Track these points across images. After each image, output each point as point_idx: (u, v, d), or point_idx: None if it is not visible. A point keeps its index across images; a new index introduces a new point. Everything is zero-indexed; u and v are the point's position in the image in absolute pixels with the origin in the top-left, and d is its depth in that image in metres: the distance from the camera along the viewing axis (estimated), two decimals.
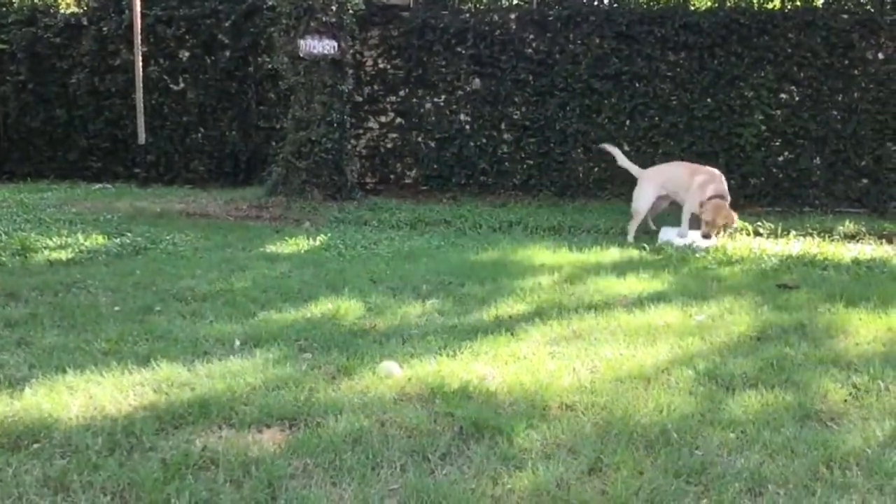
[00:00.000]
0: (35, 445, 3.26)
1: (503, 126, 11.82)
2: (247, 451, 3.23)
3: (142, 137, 11.54)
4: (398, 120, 12.18)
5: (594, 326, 5.06)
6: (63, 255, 7.10)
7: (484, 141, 11.80)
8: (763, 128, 10.92)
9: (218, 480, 3.00)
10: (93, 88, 12.95)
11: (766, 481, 3.02)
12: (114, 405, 3.66)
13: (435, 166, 11.96)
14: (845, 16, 10.72)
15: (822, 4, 10.87)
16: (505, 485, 2.99)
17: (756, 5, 11.04)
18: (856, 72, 10.75)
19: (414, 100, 12.06)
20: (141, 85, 11.37)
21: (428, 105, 12.03)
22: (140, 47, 11.39)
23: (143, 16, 11.78)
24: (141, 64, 11.41)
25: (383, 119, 12.28)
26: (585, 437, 3.39)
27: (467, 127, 11.89)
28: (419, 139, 12.09)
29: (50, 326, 4.88)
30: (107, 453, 3.20)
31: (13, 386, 3.85)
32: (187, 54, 12.80)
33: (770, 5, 11.06)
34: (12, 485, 2.95)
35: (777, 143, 11.02)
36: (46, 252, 7.13)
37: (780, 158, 11.02)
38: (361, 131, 12.22)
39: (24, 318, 5.02)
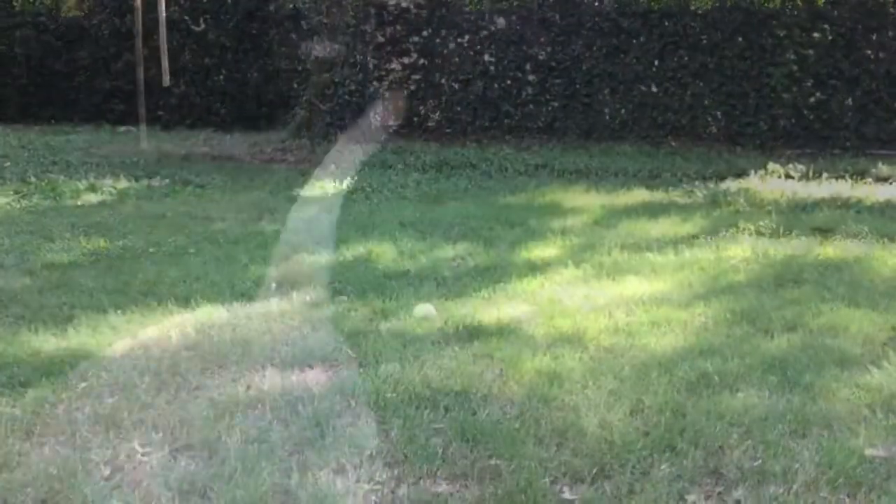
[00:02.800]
0: (83, 384, 3.31)
1: (528, 67, 11.63)
2: (292, 391, 3.27)
3: (166, 80, 11.47)
4: (421, 61, 12.02)
5: (627, 269, 5.04)
6: (93, 197, 7.15)
7: (508, 82, 11.64)
8: (795, 68, 10.67)
9: (266, 418, 3.05)
10: (115, 30, 12.85)
11: (809, 423, 3.03)
12: (158, 345, 3.71)
13: (458, 108, 11.83)
14: None
15: None
16: (548, 425, 3.02)
17: None
18: (892, 9, 10.44)
19: (437, 40, 11.87)
20: (164, 27, 11.25)
21: (451, 46, 11.85)
22: None
23: None
24: (164, 4, 11.27)
25: (406, 60, 12.12)
26: (625, 378, 3.41)
27: (491, 68, 11.71)
28: (442, 81, 11.94)
29: (87, 268, 4.93)
30: (155, 392, 3.25)
31: (58, 326, 3.90)
32: None
33: None
34: (65, 422, 3.01)
35: (809, 84, 10.78)
36: (77, 195, 7.17)
37: (812, 99, 10.80)
38: (384, 73, 12.08)
39: (61, 260, 5.07)
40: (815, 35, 10.69)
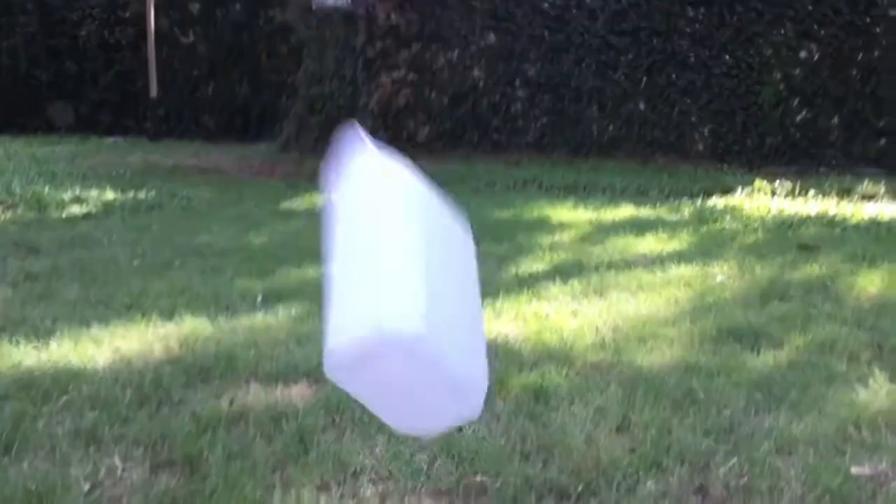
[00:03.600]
0: (64, 398, 3.27)
1: (517, 83, 11.69)
2: (276, 406, 3.24)
3: (153, 91, 11.45)
4: (411, 76, 12.05)
5: (615, 285, 5.04)
6: (78, 209, 7.10)
7: (498, 98, 11.69)
8: (782, 86, 10.78)
9: (249, 434, 3.01)
10: (103, 41, 12.83)
11: (796, 441, 3.02)
12: (140, 358, 3.67)
13: (448, 123, 11.86)
14: None
15: None
16: (534, 442, 3.00)
17: None
18: (877, 29, 10.57)
19: (427, 55, 11.91)
20: (153, 38, 11.25)
21: (441, 61, 11.89)
22: None
23: None
24: (152, 16, 11.28)
25: (396, 75, 12.15)
26: (612, 395, 3.39)
27: (481, 83, 11.76)
28: (432, 95, 11.97)
29: (70, 280, 4.88)
30: (136, 406, 3.21)
31: (39, 339, 3.85)
32: (197, 6, 12.65)
33: None
34: (45, 436, 2.97)
35: (795, 103, 10.89)
36: (62, 207, 7.12)
37: (798, 118, 10.90)
38: (374, 87, 12.10)
39: (44, 271, 5.03)
40: (802, 54, 10.80)
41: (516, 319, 4.37)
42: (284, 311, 4.42)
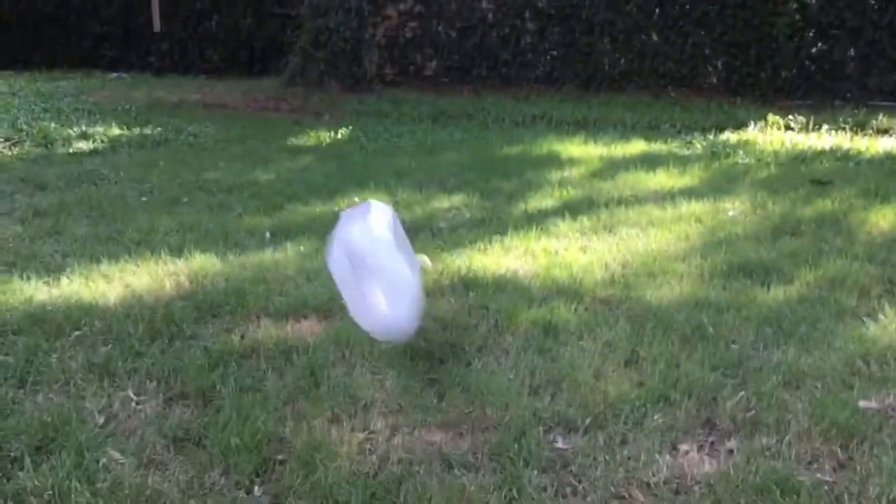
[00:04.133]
0: (77, 332, 3.29)
1: (527, 14, 11.45)
2: (286, 340, 3.26)
3: (157, 25, 11.27)
4: (418, 7, 11.81)
5: (625, 221, 5.01)
6: (85, 145, 7.06)
7: (506, 31, 11.46)
8: (797, 17, 10.52)
9: (261, 368, 3.04)
10: None
11: (804, 375, 3.03)
12: (151, 294, 3.69)
13: (455, 57, 11.67)
14: None
15: None
16: (542, 376, 3.02)
17: None
18: None
19: None
20: None
21: None
22: None
23: None
24: None
25: (402, 7, 11.91)
26: (620, 330, 3.40)
27: (489, 15, 11.52)
28: (439, 28, 11.75)
29: (79, 216, 4.88)
30: (148, 340, 3.23)
31: (50, 274, 3.87)
32: None
33: None
34: (58, 370, 3.00)
35: (811, 34, 10.64)
36: (68, 143, 7.07)
37: (814, 50, 10.67)
38: (380, 20, 11.87)
39: (53, 208, 5.02)
40: None
41: (525, 255, 4.36)
42: (293, 247, 4.42)
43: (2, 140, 7.01)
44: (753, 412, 2.79)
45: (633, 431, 2.66)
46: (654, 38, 11.03)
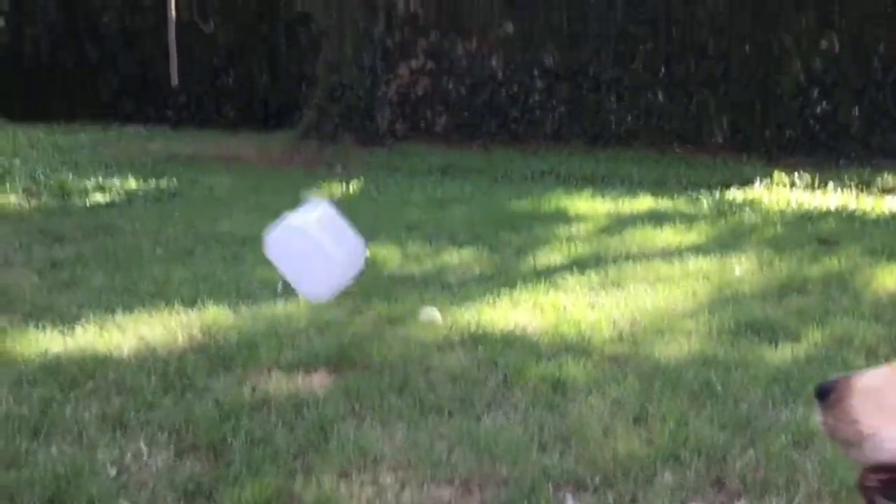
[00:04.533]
0: (91, 384, 3.34)
1: (535, 73, 11.66)
2: (297, 394, 3.29)
3: (174, 79, 11.53)
4: (429, 65, 12.06)
5: (633, 277, 5.06)
6: (102, 197, 7.18)
7: (515, 88, 11.67)
8: (802, 77, 10.69)
9: (271, 421, 3.07)
10: (123, 29, 12.92)
11: (813, 435, 3.03)
12: (164, 346, 3.74)
13: (466, 114, 11.87)
14: None
15: None
16: (551, 432, 3.04)
17: None
18: None
19: (445, 43, 11.91)
20: (173, 26, 11.32)
21: (459, 50, 11.89)
22: None
23: None
24: (173, 4, 11.35)
25: (414, 64, 12.16)
26: (629, 387, 3.42)
27: (499, 73, 11.75)
28: (450, 85, 11.97)
29: (96, 268, 4.96)
30: (161, 392, 3.27)
31: (65, 325, 3.93)
32: None
33: None
34: (72, 421, 3.04)
35: (815, 94, 10.80)
36: (85, 195, 7.21)
37: (818, 109, 10.80)
38: (392, 77, 12.12)
39: (69, 259, 5.11)
40: (823, 44, 10.70)
41: (534, 310, 4.40)
42: (304, 299, 4.46)
43: (20, 192, 7.15)
44: (763, 472, 2.79)
45: (643, 490, 2.67)
46: (660, 96, 11.21)
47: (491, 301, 4.52)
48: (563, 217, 6.90)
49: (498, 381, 3.48)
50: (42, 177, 7.83)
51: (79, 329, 3.89)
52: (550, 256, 5.57)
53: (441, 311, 4.31)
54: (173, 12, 11.43)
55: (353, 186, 8.20)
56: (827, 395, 0.98)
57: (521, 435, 3.01)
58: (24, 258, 5.15)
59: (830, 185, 8.47)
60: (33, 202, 6.85)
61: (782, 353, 3.85)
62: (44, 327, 3.90)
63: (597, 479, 2.72)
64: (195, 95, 12.82)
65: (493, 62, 11.77)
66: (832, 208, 7.42)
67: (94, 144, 10.42)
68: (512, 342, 3.91)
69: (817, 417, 1.01)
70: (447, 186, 8.40)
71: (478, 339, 3.93)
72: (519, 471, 2.76)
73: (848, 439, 0.98)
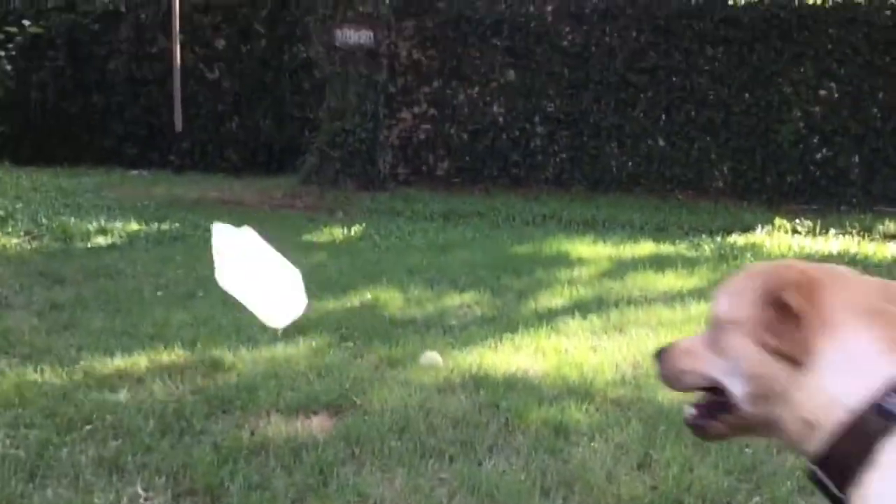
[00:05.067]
0: (88, 427, 3.30)
1: (536, 119, 11.80)
2: (296, 437, 3.25)
3: (178, 125, 11.65)
4: (431, 111, 12.20)
5: (635, 321, 5.03)
6: (103, 240, 7.19)
7: (517, 133, 11.79)
8: (801, 125, 10.80)
9: (269, 465, 3.03)
10: (130, 75, 13.10)
11: None
12: (163, 389, 3.71)
13: (467, 158, 11.97)
14: (888, 12, 10.57)
15: (864, 0, 10.71)
16: (554, 477, 2.99)
17: (797, 0, 10.91)
18: None
19: (447, 91, 12.06)
20: (178, 73, 11.48)
21: (461, 97, 12.04)
22: (178, 35, 11.50)
23: (180, 4, 11.87)
24: (178, 52, 11.52)
25: (416, 110, 12.30)
26: (633, 431, 3.38)
27: (500, 119, 11.88)
28: (452, 131, 12.10)
29: (96, 310, 4.95)
30: (159, 436, 3.23)
31: (63, 367, 3.90)
32: (223, 42, 12.91)
33: (811, 0, 10.92)
34: (68, 464, 3.00)
35: (815, 141, 10.90)
36: (87, 237, 7.22)
37: (818, 156, 10.90)
38: (394, 122, 12.24)
39: (70, 301, 5.10)
40: (822, 92, 10.83)
41: (536, 354, 4.38)
42: (305, 342, 4.45)
43: (22, 234, 7.17)
44: None
45: None
46: (661, 142, 11.31)
47: (492, 344, 4.50)
48: (564, 261, 6.90)
49: (500, 424, 3.45)
50: (44, 219, 7.85)
51: (77, 371, 3.86)
52: (552, 300, 5.55)
53: (442, 354, 4.29)
54: (178, 60, 11.59)
55: (355, 231, 8.22)
56: (660, 355, 1.51)
57: (523, 480, 2.97)
58: (25, 300, 5.14)
59: (832, 231, 8.49)
60: (35, 244, 6.86)
61: None
62: (42, 370, 3.87)
63: None
64: (199, 141, 12.95)
65: (495, 108, 11.91)
66: (834, 253, 7.42)
67: (97, 188, 10.48)
68: (513, 385, 3.88)
69: (656, 371, 1.53)
70: (449, 231, 8.42)
71: (479, 383, 3.90)
72: None
73: (672, 377, 1.50)
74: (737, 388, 1.38)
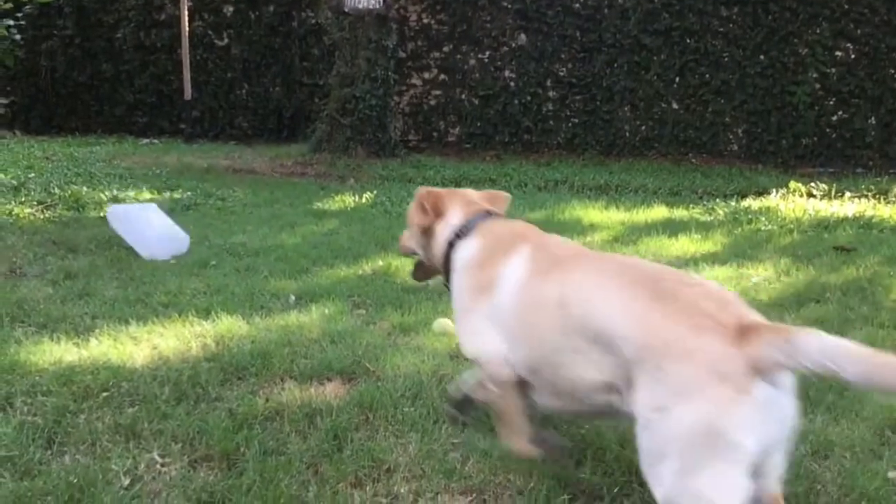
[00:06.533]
0: (104, 394, 3.33)
1: (548, 83, 11.68)
2: (310, 403, 3.27)
3: (188, 93, 11.60)
4: (442, 76, 12.09)
5: None
6: None
7: (528, 98, 11.68)
8: (817, 86, 10.65)
9: (284, 431, 3.05)
10: (139, 43, 13.03)
11: (832, 444, 2.99)
12: (177, 356, 3.73)
13: (478, 124, 11.88)
14: None
15: None
16: (567, 441, 3.00)
17: None
18: None
19: (458, 56, 11.94)
20: (187, 41, 11.41)
21: (472, 61, 11.91)
22: (186, 2, 11.41)
23: None
24: (187, 19, 11.43)
25: (427, 76, 12.20)
26: None
27: (512, 84, 11.77)
28: (463, 96, 11.99)
29: (109, 279, 4.97)
30: (174, 402, 3.26)
31: (79, 336, 3.93)
32: (231, 9, 12.81)
33: None
34: (85, 431, 3.03)
35: (831, 102, 10.76)
36: (100, 206, 7.23)
37: (834, 118, 10.76)
38: (405, 88, 12.15)
39: (83, 270, 5.12)
40: (838, 53, 10.66)
41: None
42: (317, 309, 4.46)
43: (35, 204, 7.18)
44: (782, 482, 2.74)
45: None
46: (675, 105, 11.18)
47: None
48: (577, 226, 6.87)
49: None
50: (57, 189, 7.87)
51: (93, 340, 3.89)
52: None
53: (454, 321, 4.28)
54: (186, 27, 11.51)
55: (366, 197, 8.20)
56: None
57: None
58: (39, 269, 5.17)
59: (847, 194, 8.41)
60: (48, 214, 6.88)
61: None
62: (58, 338, 3.90)
63: (614, 490, 2.68)
64: (209, 109, 12.91)
65: (506, 73, 11.79)
66: (849, 216, 7.36)
67: (108, 157, 10.48)
68: None
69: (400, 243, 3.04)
70: None
71: None
72: (534, 482, 2.73)
73: (401, 250, 3.09)
74: (420, 251, 2.98)
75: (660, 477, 2.04)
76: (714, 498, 1.95)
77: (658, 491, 2.04)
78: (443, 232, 2.81)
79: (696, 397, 1.97)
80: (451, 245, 2.78)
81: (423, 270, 3.06)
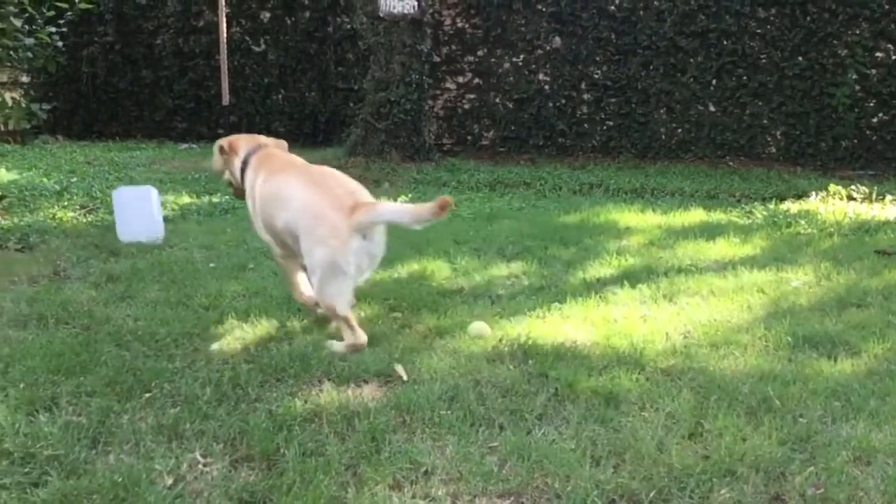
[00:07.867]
0: (147, 395, 3.40)
1: (583, 86, 11.63)
2: (348, 405, 3.30)
3: (226, 98, 11.75)
4: (476, 80, 12.10)
5: (685, 290, 4.98)
6: None
7: (563, 101, 11.64)
8: (857, 87, 10.47)
9: (323, 432, 3.09)
10: (178, 50, 13.22)
11: (875, 451, 2.95)
12: (218, 358, 3.79)
13: (513, 127, 11.87)
14: None
15: None
16: (604, 447, 2.99)
17: None
18: None
19: (492, 59, 11.94)
20: (225, 47, 11.55)
21: (506, 65, 11.91)
22: (224, 8, 11.56)
23: None
24: (225, 25, 11.58)
25: (461, 79, 12.21)
26: (683, 401, 3.36)
27: (546, 87, 11.74)
28: (497, 100, 11.99)
29: (151, 281, 5.06)
30: (216, 403, 3.31)
31: (122, 337, 4.01)
32: (268, 15, 12.94)
33: None
34: (129, 431, 3.09)
35: (871, 104, 10.58)
36: None
37: (875, 120, 10.58)
38: (439, 92, 12.18)
39: (125, 273, 5.22)
40: (879, 54, 10.47)
41: (584, 323, 4.36)
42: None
43: (77, 207, 7.33)
44: (823, 489, 2.71)
45: None
46: (712, 108, 11.08)
47: (541, 314, 4.50)
48: (612, 230, 6.84)
49: (549, 394, 3.46)
50: (98, 193, 8.02)
51: (135, 341, 3.97)
52: (600, 269, 5.52)
53: (490, 324, 4.30)
54: (224, 33, 11.66)
55: (401, 201, 8.24)
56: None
57: (573, 449, 2.98)
58: (82, 272, 5.28)
59: (888, 197, 8.26)
60: (90, 217, 7.02)
61: (842, 367, 3.75)
62: (102, 339, 3.98)
63: (651, 494, 2.68)
64: (246, 114, 13.05)
65: (541, 76, 11.76)
66: (890, 220, 7.23)
67: (149, 162, 10.66)
68: (562, 355, 3.88)
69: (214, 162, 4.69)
70: (495, 201, 8.40)
71: (528, 352, 3.91)
72: (571, 485, 2.73)
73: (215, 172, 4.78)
74: (224, 176, 4.65)
75: (313, 282, 3.95)
76: (333, 293, 3.86)
77: (314, 290, 3.98)
78: (237, 161, 4.46)
79: (324, 244, 3.83)
80: (242, 168, 4.42)
81: (234, 189, 4.62)
